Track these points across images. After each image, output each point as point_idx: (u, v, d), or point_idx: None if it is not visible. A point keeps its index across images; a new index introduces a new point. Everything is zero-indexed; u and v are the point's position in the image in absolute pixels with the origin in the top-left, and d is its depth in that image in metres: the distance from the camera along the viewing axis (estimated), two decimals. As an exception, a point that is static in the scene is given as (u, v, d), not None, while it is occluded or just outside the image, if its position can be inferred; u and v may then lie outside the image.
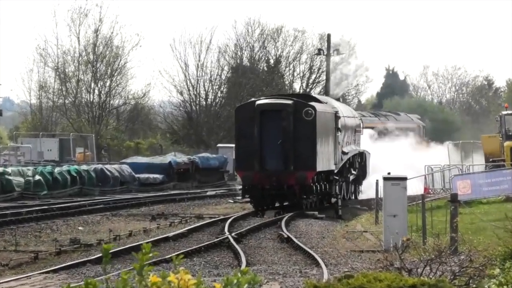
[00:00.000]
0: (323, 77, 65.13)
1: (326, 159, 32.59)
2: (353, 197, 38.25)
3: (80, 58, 65.24)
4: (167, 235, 23.64)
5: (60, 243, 21.95)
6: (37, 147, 51.44)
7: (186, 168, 49.65)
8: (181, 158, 50.82)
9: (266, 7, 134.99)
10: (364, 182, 39.80)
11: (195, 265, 18.72)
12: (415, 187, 30.29)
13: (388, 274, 10.23)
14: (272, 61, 72.77)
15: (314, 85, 72.64)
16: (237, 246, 21.06)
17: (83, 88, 65.48)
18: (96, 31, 65.11)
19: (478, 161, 40.57)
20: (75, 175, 41.31)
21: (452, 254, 14.10)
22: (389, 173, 23.03)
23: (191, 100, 69.29)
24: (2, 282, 16.19)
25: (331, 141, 33.39)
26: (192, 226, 26.18)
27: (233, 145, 37.42)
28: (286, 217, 28.17)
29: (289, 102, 31.80)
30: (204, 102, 69.45)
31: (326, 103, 35.03)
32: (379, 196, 25.77)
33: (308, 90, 70.62)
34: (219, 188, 47.43)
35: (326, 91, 55.91)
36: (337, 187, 34.63)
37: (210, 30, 76.62)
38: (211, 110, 69.29)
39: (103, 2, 65.88)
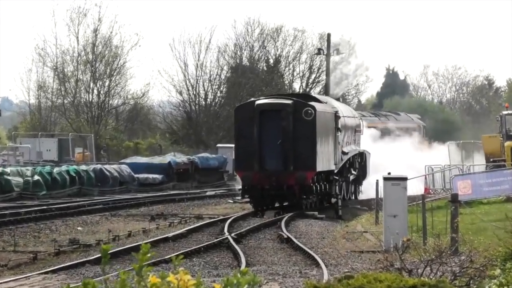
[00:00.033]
0: (323, 76, 65.11)
1: (326, 159, 32.53)
2: (353, 197, 38.21)
3: (79, 58, 65.21)
4: (166, 235, 23.60)
5: (59, 244, 21.91)
6: (36, 147, 51.39)
7: (185, 168, 49.60)
8: (181, 158, 50.77)
9: (265, 7, 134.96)
10: (364, 182, 39.76)
11: (195, 266, 18.68)
12: (415, 187, 30.25)
13: (388, 274, 10.23)
14: (271, 61, 72.71)
15: (314, 84, 72.63)
16: (236, 247, 21.01)
17: (82, 88, 65.44)
18: (95, 30, 65.11)
19: (479, 161, 40.52)
20: (74, 175, 41.25)
21: (452, 254, 14.10)
22: (389, 173, 22.98)
23: (191, 100, 69.25)
24: (1, 283, 16.15)
25: (331, 141, 33.34)
26: (191, 227, 26.14)
27: (233, 145, 37.36)
28: (286, 217, 28.12)
29: (289, 102, 31.75)
30: (204, 102, 69.39)
31: (326, 103, 34.98)
32: (379, 196, 25.71)
33: (308, 90, 70.57)
34: (218, 188, 47.38)
35: (326, 91, 55.87)
36: (337, 187, 34.58)
37: (209, 29, 76.67)
38: (211, 110, 69.25)
39: (102, 1, 65.90)
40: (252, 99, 35.43)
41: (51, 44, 65.17)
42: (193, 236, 24.27)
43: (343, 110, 37.14)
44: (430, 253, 13.26)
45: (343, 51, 57.74)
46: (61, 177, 40.36)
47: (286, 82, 73.41)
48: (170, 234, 23.75)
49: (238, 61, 71.05)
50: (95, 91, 65.47)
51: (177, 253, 19.48)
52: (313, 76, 72.73)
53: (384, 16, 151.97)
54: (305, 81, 72.99)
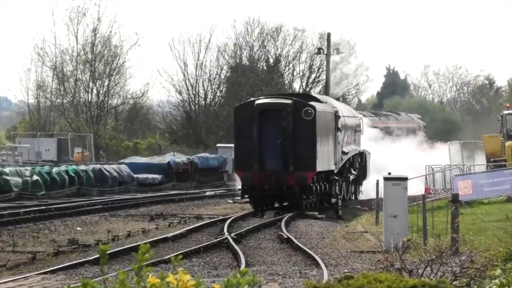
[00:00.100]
0: (323, 76, 65.04)
1: (326, 159, 32.47)
2: (353, 198, 38.15)
3: (78, 58, 65.16)
4: (166, 235, 23.55)
5: (58, 244, 21.89)
6: (35, 147, 51.35)
7: (185, 168, 49.54)
8: (180, 158, 50.71)
9: (265, 6, 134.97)
10: (365, 182, 39.71)
11: (194, 266, 18.64)
12: (415, 187, 30.20)
13: (388, 275, 10.22)
14: (271, 61, 72.65)
15: (314, 84, 72.57)
16: (236, 247, 20.97)
17: (81, 88, 65.38)
18: (95, 30, 65.05)
19: (480, 161, 40.46)
20: (73, 175, 41.19)
21: (453, 254, 14.09)
22: (389, 173, 22.92)
23: (190, 100, 69.19)
24: (0, 283, 16.10)
25: (331, 141, 33.28)
26: (191, 227, 26.09)
27: (233, 145, 37.30)
28: (286, 217, 28.06)
29: (289, 101, 31.68)
30: (203, 102, 69.33)
31: (326, 102, 34.92)
32: (380, 197, 25.66)
33: (308, 89, 70.52)
34: (218, 188, 47.32)
35: (326, 91, 55.83)
36: (337, 187, 34.51)
37: (209, 29, 76.53)
38: (210, 109, 69.19)
39: (101, 1, 65.88)
40: (252, 98, 35.37)
41: (50, 43, 65.20)
42: (192, 236, 24.22)
43: (343, 110, 37.08)
44: (431, 253, 13.25)
45: (343, 50, 57.74)
46: (60, 177, 40.29)
47: (286, 81, 73.37)
48: (170, 234, 23.70)
49: (238, 60, 71.00)
50: (94, 91, 65.43)
51: (177, 253, 19.42)
52: (313, 76, 72.74)
53: (385, 16, 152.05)
54: (305, 81, 72.98)
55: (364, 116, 51.05)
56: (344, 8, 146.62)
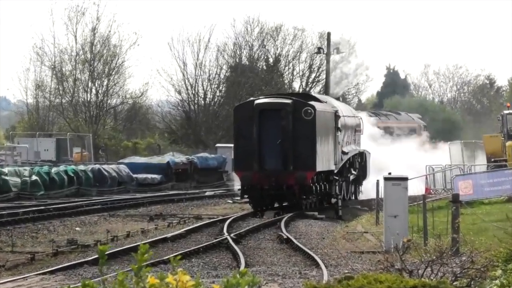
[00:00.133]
0: (323, 76, 65.00)
1: (326, 159, 32.41)
2: (353, 198, 38.08)
3: (77, 57, 65.08)
4: (165, 236, 23.50)
5: (57, 244, 21.85)
6: (34, 147, 51.31)
7: (184, 168, 49.49)
8: (180, 158, 50.66)
9: (265, 5, 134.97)
10: (365, 182, 39.65)
11: (194, 266, 18.59)
12: (416, 187, 30.15)
13: (388, 275, 10.21)
14: (271, 60, 72.59)
15: (314, 84, 72.51)
16: (236, 247, 20.91)
17: (80, 87, 65.31)
18: (94, 29, 64.96)
19: (481, 161, 40.39)
20: (72, 175, 41.13)
21: (453, 255, 14.09)
22: (389, 173, 22.86)
23: (190, 100, 69.13)
24: (-1, 284, 16.07)
25: (331, 140, 33.21)
26: (190, 227, 26.03)
27: (232, 145, 37.23)
28: (286, 217, 27.99)
29: (288, 101, 31.61)
30: (203, 102, 69.27)
31: (325, 102, 34.85)
32: (380, 197, 25.60)
33: (307, 89, 70.47)
34: (218, 188, 47.26)
35: (326, 90, 55.77)
36: (337, 187, 34.45)
37: (208, 28, 76.52)
38: (210, 109, 69.13)
39: (100, 0, 65.82)
40: (252, 98, 35.31)
41: (49, 43, 65.11)
42: (192, 236, 24.16)
43: (343, 109, 37.02)
44: (431, 254, 13.23)
45: (343, 50, 57.72)
46: (59, 177, 40.23)
47: (286, 81, 73.31)
48: (169, 235, 23.64)
49: (237, 60, 70.95)
50: (93, 91, 65.37)
51: (176, 253, 19.35)
52: (313, 76, 72.68)
53: (385, 15, 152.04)
54: (305, 81, 72.91)
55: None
56: (344, 8, 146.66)
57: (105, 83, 65.57)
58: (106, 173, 43.36)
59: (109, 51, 65.32)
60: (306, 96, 35.94)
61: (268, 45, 71.81)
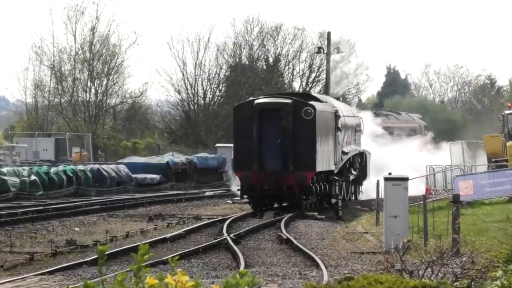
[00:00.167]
0: (323, 75, 64.94)
1: (326, 159, 32.33)
2: (353, 198, 38.01)
3: (77, 57, 65.00)
4: (164, 236, 23.45)
5: (56, 244, 21.84)
6: (33, 146, 51.26)
7: (184, 168, 49.43)
8: (179, 158, 50.60)
9: (265, 5, 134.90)
10: (365, 182, 39.59)
11: (193, 267, 18.55)
12: (416, 188, 30.10)
13: (389, 276, 10.20)
14: (271, 60, 72.52)
15: (314, 84, 72.44)
16: (235, 248, 20.85)
17: (79, 87, 65.23)
18: (93, 29, 64.89)
19: (483, 161, 40.33)
20: (71, 175, 41.06)
21: (454, 255, 14.08)
22: (390, 173, 22.80)
23: (189, 99, 69.07)
24: (-3, 284, 16.02)
25: (331, 140, 33.14)
26: (190, 227, 25.98)
27: (232, 145, 37.16)
28: (285, 218, 27.93)
29: (288, 101, 31.54)
30: (202, 101, 69.21)
31: (326, 102, 34.79)
32: (380, 197, 25.54)
33: (308, 89, 70.42)
34: (217, 188, 47.20)
35: (326, 90, 55.71)
36: (337, 187, 34.38)
37: (208, 28, 76.53)
38: (210, 109, 69.07)
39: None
40: (251, 98, 35.24)
41: (48, 42, 65.03)
42: (191, 237, 24.11)
43: (343, 109, 36.95)
44: (431, 254, 13.21)
45: (344, 49, 57.68)
46: (58, 177, 40.16)
47: (286, 81, 73.24)
48: (168, 235, 23.59)
49: (237, 59, 70.89)
50: (93, 90, 65.29)
51: (175, 254, 19.27)
52: (313, 75, 72.60)
53: (385, 15, 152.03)
54: (305, 80, 72.85)
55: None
56: (345, 7, 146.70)
57: (104, 82, 65.51)
58: (105, 173, 43.29)
59: (109, 51, 65.27)
60: (306, 96, 35.87)
61: (268, 44, 71.81)
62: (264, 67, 72.65)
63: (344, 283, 9.73)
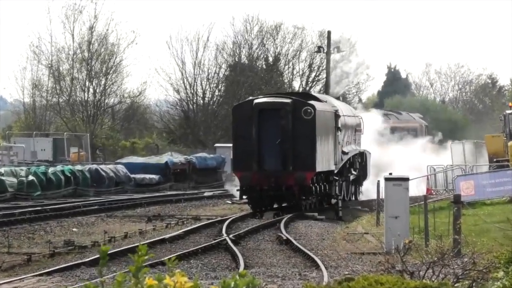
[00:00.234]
0: (323, 75, 64.86)
1: (325, 159, 32.23)
2: (353, 198, 37.91)
3: (75, 56, 64.89)
4: (163, 237, 23.38)
5: (54, 245, 21.79)
6: (31, 146, 51.18)
7: (183, 168, 49.35)
8: (178, 158, 50.52)
9: (265, 4, 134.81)
10: (365, 183, 39.50)
11: (192, 268, 18.49)
12: (416, 188, 30.01)
13: (389, 277, 10.17)
14: (271, 59, 72.44)
15: (314, 83, 72.37)
16: (235, 248, 20.76)
17: (77, 87, 65.14)
18: (91, 28, 64.76)
19: (485, 161, 40.28)
20: (69, 175, 40.96)
21: (455, 256, 14.04)
22: (390, 174, 22.70)
23: (188, 99, 68.99)
24: (-5, 285, 15.94)
25: (331, 140, 33.03)
26: (189, 228, 25.90)
27: (231, 145, 37.05)
28: (285, 218, 27.84)
29: (288, 100, 31.43)
30: (202, 101, 69.13)
31: (325, 101, 34.70)
32: (381, 197, 25.44)
33: (307, 88, 70.34)
34: (216, 189, 47.11)
35: (326, 90, 55.62)
36: (337, 187, 34.27)
37: (207, 27, 76.62)
38: (209, 109, 68.99)
39: (98, -2, 65.46)
40: (251, 97, 35.16)
41: (46, 41, 64.91)
42: (190, 237, 24.04)
43: (343, 109, 36.86)
44: (432, 255, 13.17)
45: (344, 49, 57.61)
46: (56, 177, 40.06)
47: (286, 80, 73.15)
48: (167, 236, 23.51)
49: (236, 59, 70.80)
50: (91, 90, 65.18)
51: (173, 255, 19.15)
52: (313, 75, 72.52)
53: (386, 14, 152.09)
54: (305, 80, 72.76)
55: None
56: (345, 6, 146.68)
57: (102, 82, 65.41)
58: (103, 173, 43.19)
59: (107, 50, 65.17)
60: (306, 96, 35.78)
61: (268, 43, 71.72)
62: (264, 66, 72.57)
63: (345, 284, 9.67)
